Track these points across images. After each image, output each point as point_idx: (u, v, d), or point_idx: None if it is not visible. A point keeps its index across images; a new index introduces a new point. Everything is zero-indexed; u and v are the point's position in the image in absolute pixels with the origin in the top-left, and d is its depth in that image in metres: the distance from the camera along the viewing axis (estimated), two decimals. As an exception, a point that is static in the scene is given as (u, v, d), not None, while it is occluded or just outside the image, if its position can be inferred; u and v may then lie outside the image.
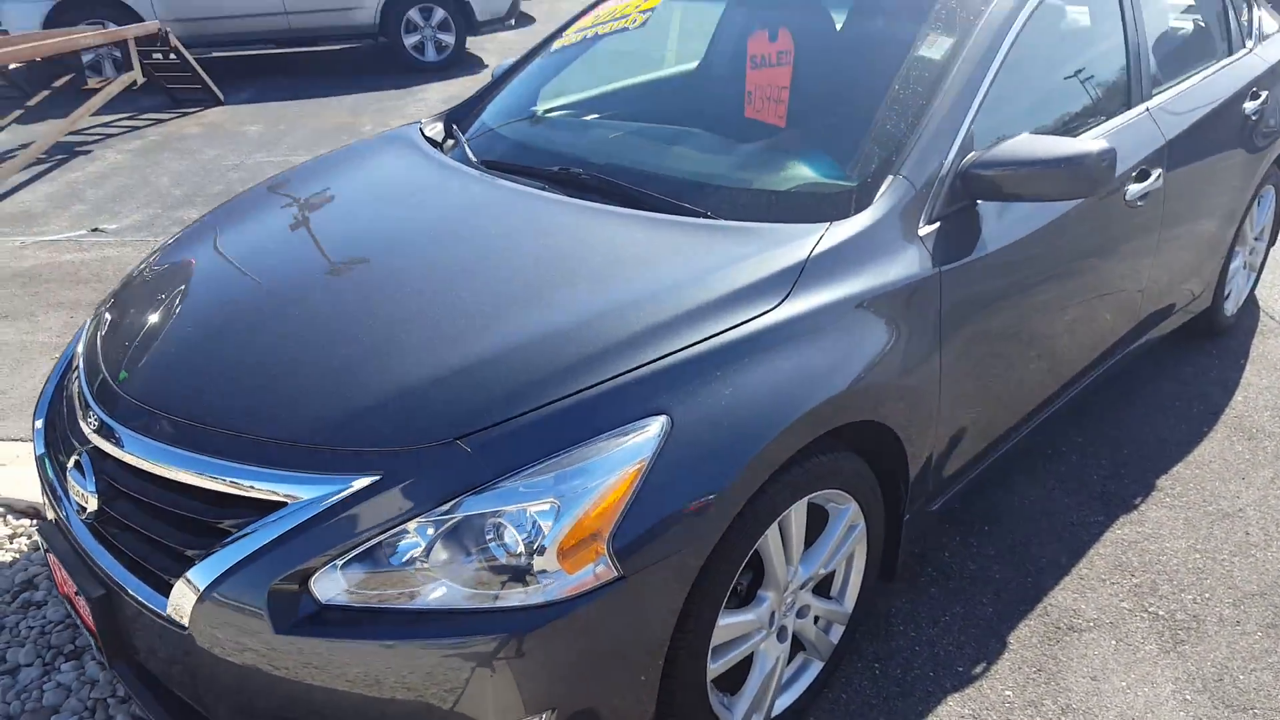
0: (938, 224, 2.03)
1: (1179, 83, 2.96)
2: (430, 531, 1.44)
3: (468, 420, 1.51)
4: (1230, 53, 3.33)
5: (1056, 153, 2.01)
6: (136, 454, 1.62)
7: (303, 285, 1.92)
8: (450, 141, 2.65)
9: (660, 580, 1.52)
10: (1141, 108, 2.72)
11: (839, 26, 2.54)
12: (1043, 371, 2.46)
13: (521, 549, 1.44)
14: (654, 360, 1.60)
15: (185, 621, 1.50)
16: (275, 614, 1.44)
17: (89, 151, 6.62)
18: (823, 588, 2.05)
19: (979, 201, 2.13)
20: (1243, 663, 2.21)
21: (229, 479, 1.52)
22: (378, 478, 1.46)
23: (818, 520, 1.93)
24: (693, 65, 3.08)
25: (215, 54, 9.37)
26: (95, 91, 6.71)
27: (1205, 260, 3.19)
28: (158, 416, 1.64)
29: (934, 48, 2.27)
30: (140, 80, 6.84)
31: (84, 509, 1.71)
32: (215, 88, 7.65)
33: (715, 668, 1.75)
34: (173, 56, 7.33)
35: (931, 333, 1.98)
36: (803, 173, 2.17)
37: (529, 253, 1.93)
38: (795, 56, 2.48)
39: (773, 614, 1.86)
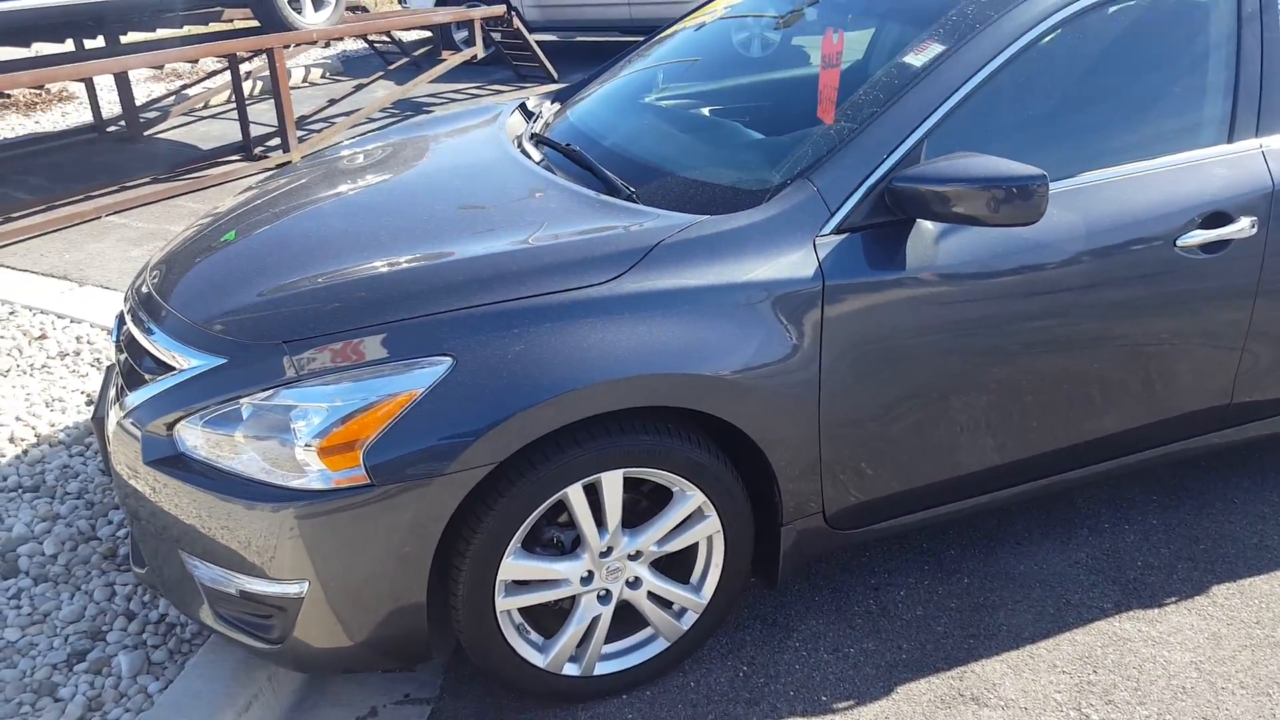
0: (845, 235, 1.99)
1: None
2: (250, 409, 1.79)
3: (297, 329, 1.83)
4: None
5: (985, 172, 1.89)
6: (131, 325, 2.14)
7: (304, 211, 2.35)
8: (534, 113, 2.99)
9: (412, 499, 1.74)
10: (1250, 144, 2.33)
11: (861, 30, 2.51)
12: (1013, 433, 2.25)
13: (299, 440, 1.74)
14: (460, 308, 1.82)
15: (110, 442, 1.99)
16: (146, 447, 1.87)
17: (431, 110, 7.79)
18: (680, 573, 2.12)
19: (920, 221, 2.04)
20: (1150, 790, 1.93)
21: (156, 345, 1.98)
22: (225, 360, 1.84)
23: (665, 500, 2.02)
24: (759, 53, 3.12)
25: (576, 38, 10.44)
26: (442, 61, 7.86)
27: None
28: (154, 301, 2.14)
29: (920, 55, 2.18)
30: (480, 55, 7.88)
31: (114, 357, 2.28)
32: (550, 66, 8.58)
33: (508, 601, 1.93)
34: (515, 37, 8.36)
35: (808, 345, 1.96)
36: (738, 169, 2.22)
37: (458, 204, 2.22)
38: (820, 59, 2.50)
39: (591, 574, 1.99)
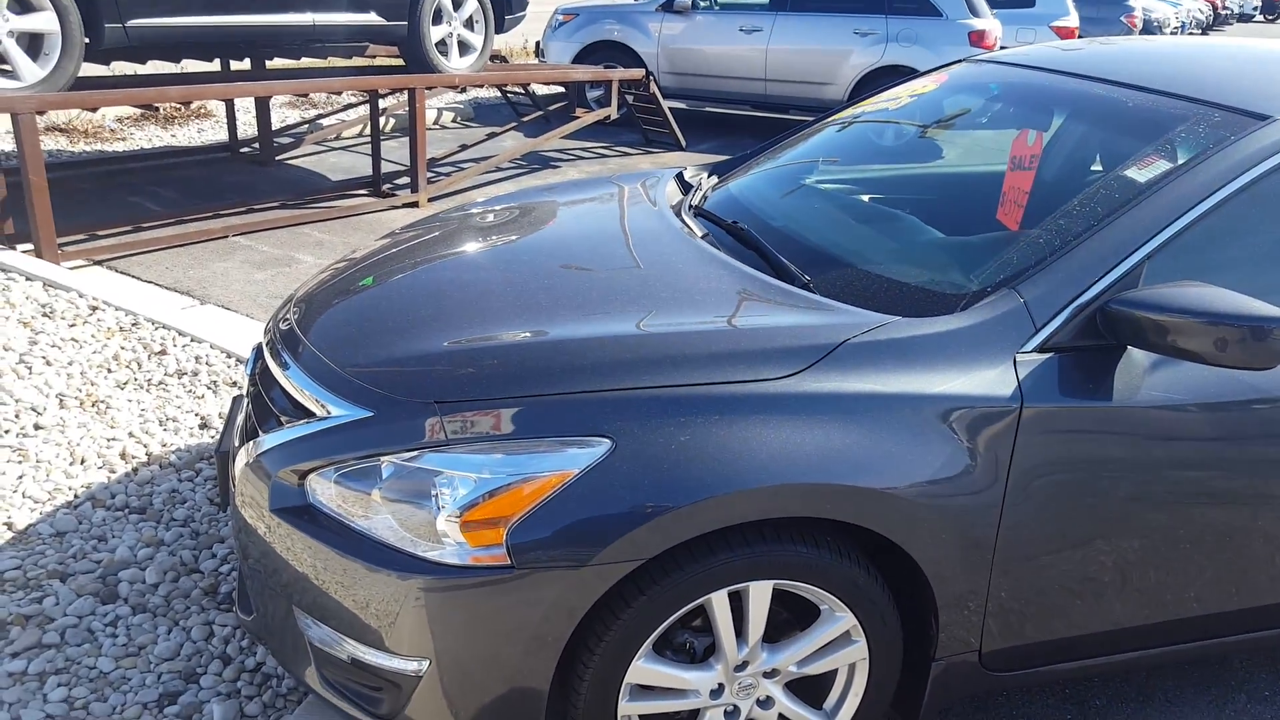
0: (1048, 355, 1.82)
1: None
2: (391, 469, 1.69)
3: (450, 390, 1.73)
4: None
5: (1225, 308, 1.71)
6: (270, 360, 2.07)
7: (458, 264, 2.27)
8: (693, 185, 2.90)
9: (550, 586, 1.60)
10: None
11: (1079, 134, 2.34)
12: (1195, 587, 2.02)
13: (441, 509, 1.63)
14: (624, 389, 1.69)
15: (235, 481, 1.91)
16: (275, 494, 1.78)
17: (558, 166, 7.85)
18: (813, 697, 1.93)
19: (1130, 349, 1.86)
20: None
21: (296, 386, 1.91)
22: (371, 414, 1.75)
23: (812, 618, 1.85)
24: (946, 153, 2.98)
25: (705, 108, 10.50)
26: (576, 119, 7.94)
27: None
28: (295, 337, 2.07)
29: (1145, 170, 2.02)
30: (614, 116, 7.94)
31: (245, 386, 2.22)
32: (680, 134, 8.60)
33: (631, 705, 1.77)
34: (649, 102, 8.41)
35: (995, 469, 1.78)
36: (927, 269, 2.07)
37: (619, 273, 2.11)
38: (1028, 160, 2.35)
39: (721, 686, 1.82)
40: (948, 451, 1.76)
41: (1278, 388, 1.92)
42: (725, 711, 1.86)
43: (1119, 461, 1.85)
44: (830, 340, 1.79)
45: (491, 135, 8.03)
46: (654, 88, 8.30)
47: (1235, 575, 2.05)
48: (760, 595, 1.76)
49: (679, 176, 2.98)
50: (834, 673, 1.92)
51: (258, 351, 2.22)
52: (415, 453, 1.68)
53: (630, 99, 8.57)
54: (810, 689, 1.94)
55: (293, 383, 1.93)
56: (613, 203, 2.70)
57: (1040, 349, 1.83)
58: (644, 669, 1.74)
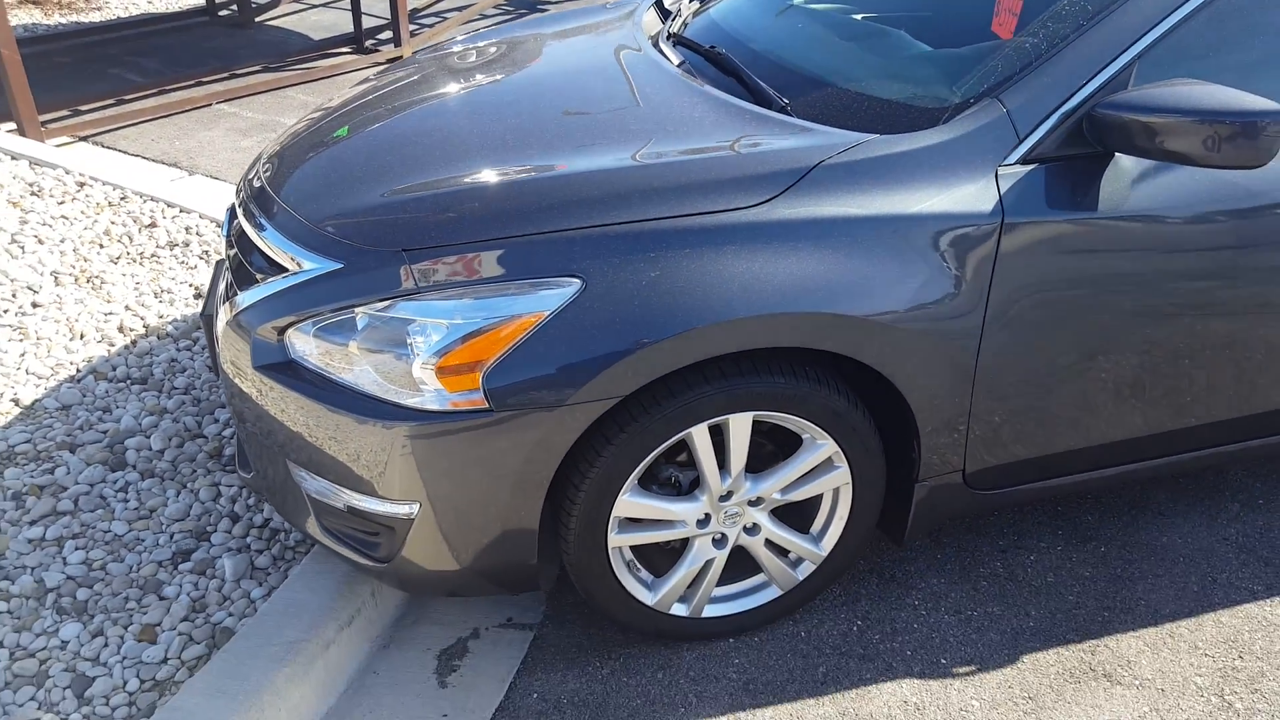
0: (1034, 166, 1.73)
1: None
2: (365, 320, 1.65)
3: (418, 238, 1.67)
4: None
5: (1215, 104, 1.60)
6: (243, 219, 2.00)
7: (425, 108, 2.15)
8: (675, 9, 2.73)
9: (530, 427, 1.59)
10: None
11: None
12: (1186, 400, 1.99)
13: (416, 356, 1.59)
14: (593, 225, 1.63)
15: (219, 342, 1.88)
16: (256, 351, 1.75)
17: (546, 9, 7.46)
18: (799, 522, 1.94)
19: (1118, 156, 1.76)
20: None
21: (268, 243, 1.84)
22: (341, 265, 1.69)
23: (795, 446, 1.83)
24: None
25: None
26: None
27: None
28: (265, 193, 2.00)
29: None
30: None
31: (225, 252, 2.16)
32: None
33: (620, 538, 1.78)
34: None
35: (975, 288, 1.72)
36: (910, 83, 1.94)
37: (591, 108, 2.01)
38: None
39: (707, 516, 1.83)
40: (927, 273, 1.69)
41: (1270, 189, 1.82)
42: (714, 539, 1.87)
43: (1106, 275, 1.78)
44: (804, 163, 1.70)
45: None
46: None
47: (1230, 385, 2.01)
48: (740, 427, 1.74)
49: (658, 3, 2.80)
50: (819, 498, 1.92)
51: (231, 212, 2.15)
52: (388, 302, 1.63)
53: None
54: (797, 515, 1.95)
55: (264, 239, 1.86)
56: (588, 35, 2.54)
57: (1024, 160, 1.74)
58: (630, 503, 1.74)
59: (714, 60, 2.20)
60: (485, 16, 7.14)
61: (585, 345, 1.57)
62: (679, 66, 2.20)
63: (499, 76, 2.29)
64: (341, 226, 1.75)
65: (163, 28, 6.73)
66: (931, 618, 2.07)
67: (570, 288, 1.58)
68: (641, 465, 1.71)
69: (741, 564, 1.97)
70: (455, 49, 2.68)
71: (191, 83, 5.36)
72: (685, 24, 2.55)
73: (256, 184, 2.04)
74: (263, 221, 1.90)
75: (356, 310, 1.65)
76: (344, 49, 6.16)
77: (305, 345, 1.70)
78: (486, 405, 1.57)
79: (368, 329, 1.63)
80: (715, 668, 1.93)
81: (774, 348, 1.70)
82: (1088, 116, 1.72)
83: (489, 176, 1.76)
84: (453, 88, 2.26)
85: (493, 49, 2.55)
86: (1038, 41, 1.83)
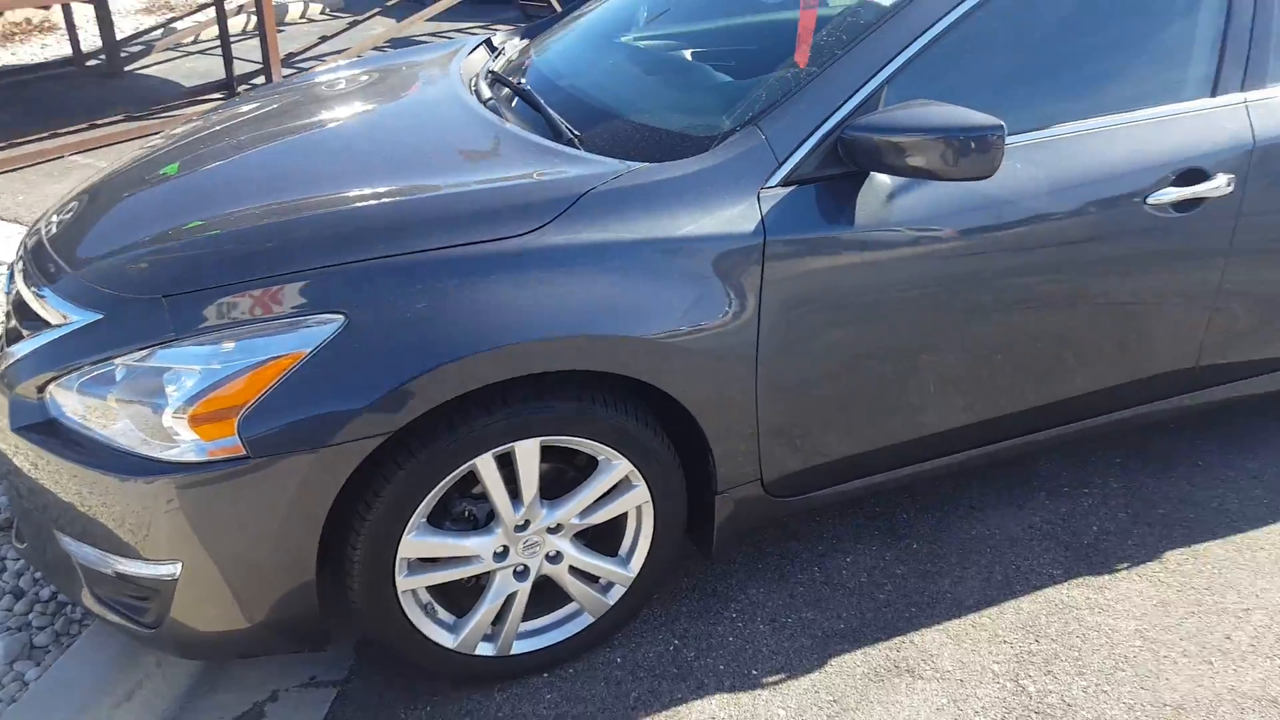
0: (794, 187, 1.75)
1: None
2: (124, 371, 1.56)
3: (180, 282, 1.59)
4: None
5: (940, 121, 1.65)
6: (19, 277, 1.89)
7: (217, 149, 2.09)
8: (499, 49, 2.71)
9: (293, 473, 1.53)
10: (1234, 98, 2.07)
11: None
12: (961, 396, 2.03)
13: (169, 406, 1.52)
14: (355, 260, 1.58)
15: None
16: (14, 411, 1.65)
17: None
18: (605, 544, 1.92)
19: (874, 174, 1.79)
20: (1089, 775, 1.76)
21: (37, 296, 1.74)
22: (101, 316, 1.60)
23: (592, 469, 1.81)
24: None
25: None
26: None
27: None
28: (40, 246, 1.89)
29: (890, -2, 1.90)
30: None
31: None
32: (558, 5, 8.12)
33: (411, 580, 1.73)
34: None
35: (746, 305, 1.73)
36: (692, 114, 1.96)
37: (385, 146, 1.99)
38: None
39: (505, 549, 1.79)
40: (697, 292, 1.70)
41: (1009, 196, 1.88)
42: (515, 572, 1.83)
43: (868, 284, 1.81)
44: (575, 192, 1.69)
45: (354, 24, 7.50)
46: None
47: (1007, 379, 2.06)
48: (528, 454, 1.70)
49: (488, 42, 2.78)
50: (625, 519, 1.90)
51: (10, 269, 2.04)
52: (146, 351, 1.56)
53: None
54: (605, 538, 1.92)
55: (34, 292, 1.77)
56: (409, 73, 2.51)
57: (785, 182, 1.76)
58: (417, 543, 1.69)
59: (521, 96, 2.18)
60: (362, 59, 7.04)
61: (348, 383, 1.52)
62: (487, 103, 2.18)
63: (306, 115, 2.24)
64: (105, 275, 1.67)
65: (27, 79, 6.46)
66: (747, 629, 2.06)
67: (331, 325, 1.53)
68: (426, 502, 1.66)
69: (550, 594, 1.92)
70: (278, 87, 2.61)
71: (45, 135, 5.14)
72: (510, 61, 2.53)
73: (33, 239, 1.94)
74: (34, 274, 1.81)
75: (116, 361, 1.57)
76: (215, 95, 5.99)
77: (67, 401, 1.61)
78: (244, 453, 1.51)
79: (126, 380, 1.56)
80: (527, 706, 1.88)
81: (559, 373, 1.68)
82: (840, 139, 1.75)
83: (256, 216, 1.71)
84: (255, 129, 2.20)
85: (309, 89, 2.49)
86: (798, 71, 1.86)
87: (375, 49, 7.20)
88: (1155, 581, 2.18)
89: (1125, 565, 2.23)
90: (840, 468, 2.02)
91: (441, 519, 1.76)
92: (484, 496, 1.78)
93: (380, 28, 7.73)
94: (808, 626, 2.06)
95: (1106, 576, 2.20)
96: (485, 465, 1.68)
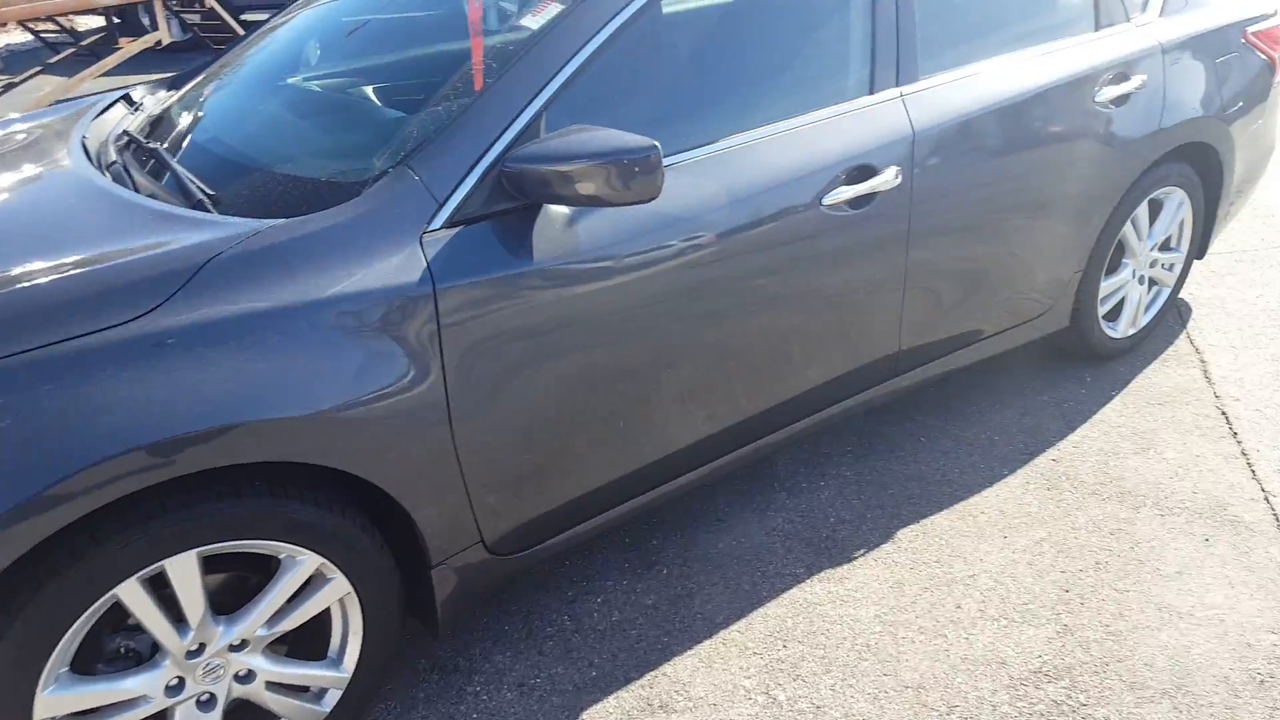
0: (461, 228, 1.60)
1: (983, 61, 2.32)
2: None
3: None
4: (1099, 26, 2.62)
5: (605, 146, 1.55)
6: None
7: None
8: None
9: None
10: (890, 94, 2.13)
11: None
12: (679, 418, 1.97)
13: None
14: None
15: None
16: None
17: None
18: (310, 650, 1.69)
19: (549, 206, 1.68)
20: (844, 780, 1.72)
21: None
22: None
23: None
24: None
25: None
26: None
27: (1038, 273, 2.55)
28: None
29: (539, 16, 1.80)
30: (166, 40, 6.83)
31: None
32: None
33: (68, 740, 1.43)
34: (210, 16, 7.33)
35: (426, 359, 1.57)
36: (343, 159, 1.77)
37: None
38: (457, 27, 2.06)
39: (180, 680, 1.52)
40: (364, 357, 1.51)
41: (690, 213, 1.83)
42: (199, 702, 1.57)
43: (559, 319, 1.70)
44: (193, 263, 1.46)
45: (9, 86, 6.67)
46: (213, 1, 7.24)
47: (717, 392, 2.01)
48: (183, 570, 1.45)
49: (126, 96, 2.45)
50: (329, 615, 1.68)
51: None
52: None
53: (197, 19, 7.45)
54: (311, 641, 1.69)
55: None
56: (20, 140, 2.14)
57: (451, 223, 1.61)
58: (58, 699, 1.40)
59: (149, 157, 1.90)
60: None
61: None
62: (110, 168, 1.89)
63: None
64: None
65: None
66: (493, 701, 1.89)
67: None
68: (60, 650, 1.37)
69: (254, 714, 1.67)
70: None
71: None
72: (151, 116, 2.23)
73: None
74: None
75: None
76: None
77: None
78: None
79: None
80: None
81: (210, 470, 1.44)
82: (502, 173, 1.62)
83: None
84: None
85: None
86: (452, 104, 1.71)
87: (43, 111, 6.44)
88: (890, 563, 2.21)
89: (862, 551, 2.25)
90: (571, 510, 1.90)
91: (95, 662, 1.47)
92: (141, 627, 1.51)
93: (49, 87, 6.93)
94: (558, 683, 1.93)
95: (845, 566, 2.21)
96: (130, 593, 1.41)
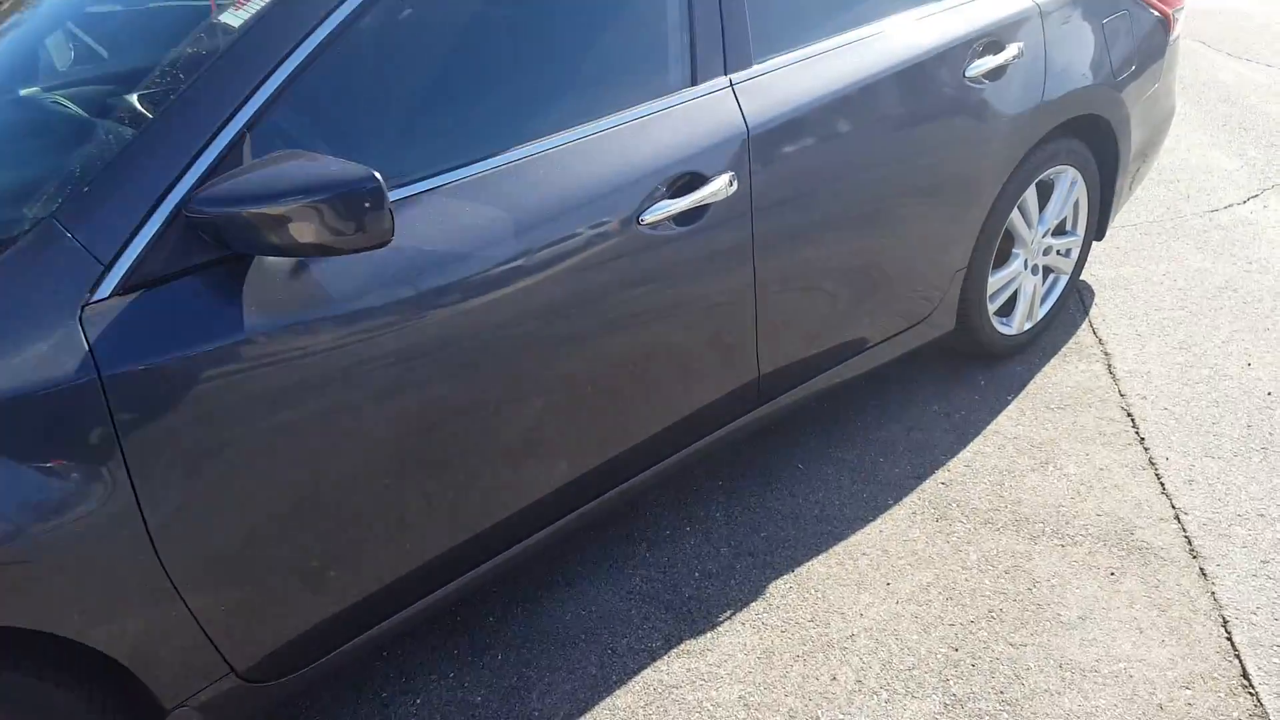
0: (142, 293, 1.23)
1: (830, 39, 1.99)
2: None
3: None
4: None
5: (320, 178, 1.19)
6: None
7: None
8: None
9: None
10: (718, 83, 1.79)
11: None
12: (484, 493, 1.62)
13: None
14: None
15: None
16: None
17: None
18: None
19: (264, 257, 1.31)
20: None
21: None
22: None
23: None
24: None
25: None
26: None
27: (914, 275, 2.24)
28: None
29: (240, 11, 1.42)
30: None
31: None
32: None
33: None
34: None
35: (102, 472, 1.20)
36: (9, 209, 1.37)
37: None
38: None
39: None
40: (9, 477, 1.13)
41: (467, 248, 1.47)
42: None
43: (287, 393, 1.33)
44: None
45: None
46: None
47: (542, 451, 1.66)
48: None
49: None
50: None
51: None
52: None
53: None
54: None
55: None
56: None
57: (125, 289, 1.23)
58: None
59: None
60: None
61: None
62: None
63: None
64: None
65: None
66: None
67: None
68: None
69: None
70: None
71: None
72: None
73: None
74: None
75: None
76: None
77: None
78: None
79: None
80: None
81: None
82: (189, 218, 1.25)
83: None
84: None
85: None
86: (120, 134, 1.33)
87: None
88: (759, 626, 1.89)
89: (728, 613, 1.93)
90: (356, 614, 1.55)
91: None
92: None
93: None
94: (353, 823, 1.58)
95: (709, 635, 1.89)
96: None
